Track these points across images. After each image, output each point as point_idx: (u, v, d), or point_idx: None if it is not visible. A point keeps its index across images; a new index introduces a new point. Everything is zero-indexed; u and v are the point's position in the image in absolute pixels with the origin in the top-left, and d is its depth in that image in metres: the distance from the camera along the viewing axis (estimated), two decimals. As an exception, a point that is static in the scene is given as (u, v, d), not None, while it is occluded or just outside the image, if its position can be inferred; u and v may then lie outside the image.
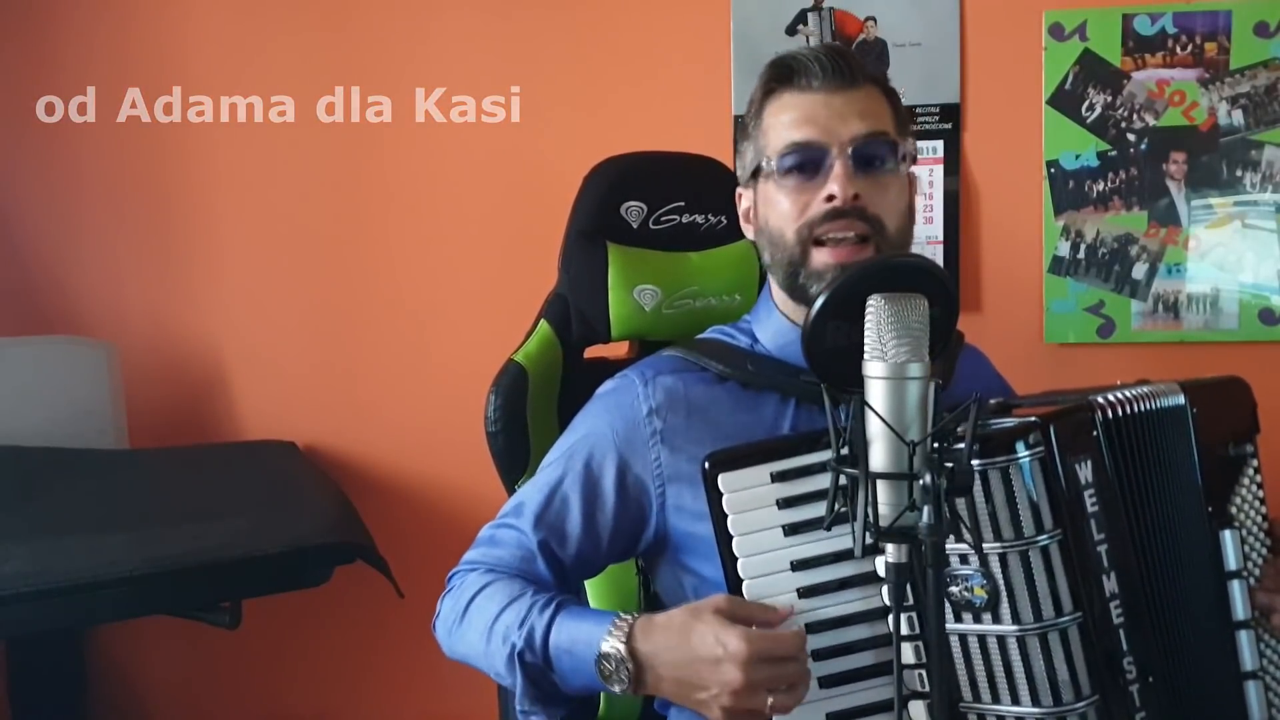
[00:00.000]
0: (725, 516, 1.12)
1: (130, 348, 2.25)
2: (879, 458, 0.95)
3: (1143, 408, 1.14)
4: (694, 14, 2.15)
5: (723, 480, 1.12)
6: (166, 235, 2.30)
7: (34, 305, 2.33)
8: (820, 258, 1.18)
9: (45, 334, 2.26)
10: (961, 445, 0.95)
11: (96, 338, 2.24)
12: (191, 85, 2.27)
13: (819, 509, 1.10)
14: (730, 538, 1.11)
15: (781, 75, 1.22)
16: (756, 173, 1.24)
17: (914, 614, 1.06)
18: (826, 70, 1.18)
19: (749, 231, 1.30)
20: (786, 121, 1.20)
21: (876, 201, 1.18)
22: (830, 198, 1.17)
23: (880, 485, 0.94)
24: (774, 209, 1.22)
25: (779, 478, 1.12)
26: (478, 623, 1.19)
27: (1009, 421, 1.08)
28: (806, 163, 1.18)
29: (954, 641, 1.06)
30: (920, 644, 1.06)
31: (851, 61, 1.20)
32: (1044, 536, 1.05)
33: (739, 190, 1.30)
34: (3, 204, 2.32)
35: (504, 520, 1.27)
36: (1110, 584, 1.07)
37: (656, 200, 1.52)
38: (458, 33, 2.21)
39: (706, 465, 1.13)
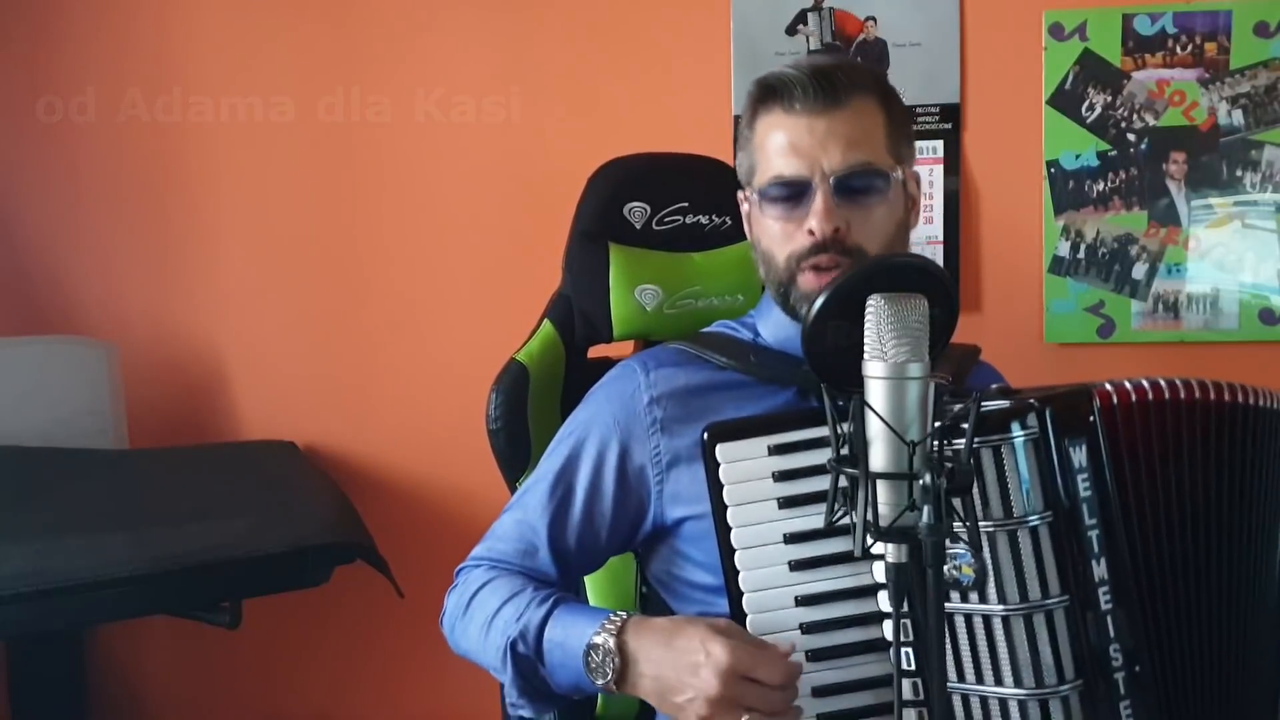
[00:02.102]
0: (722, 487, 1.13)
1: (130, 348, 2.25)
2: (879, 458, 0.95)
3: (1164, 397, 1.11)
4: (694, 14, 2.15)
5: (720, 451, 1.13)
6: (166, 235, 2.31)
7: (34, 305, 2.33)
8: (807, 281, 1.20)
9: (45, 334, 2.26)
10: (961, 444, 0.95)
11: (96, 338, 2.24)
12: (191, 85, 2.27)
13: (814, 484, 1.11)
14: (725, 508, 1.12)
15: (766, 95, 1.22)
16: (749, 190, 1.25)
17: (904, 594, 1.06)
18: (809, 92, 1.18)
19: (749, 233, 1.31)
20: (773, 147, 1.21)
21: (859, 230, 1.18)
22: (811, 232, 1.18)
23: (880, 485, 0.94)
24: (764, 232, 1.24)
25: (777, 451, 1.13)
26: (478, 617, 1.21)
27: (1006, 402, 1.08)
28: (789, 195, 1.20)
29: None
30: (907, 622, 1.06)
31: (836, 79, 1.19)
32: (1034, 517, 1.05)
33: (740, 193, 1.31)
34: (3, 204, 2.32)
35: (509, 511, 1.30)
36: (1100, 569, 1.06)
37: (660, 201, 1.53)
38: (457, 33, 2.21)
39: (705, 436, 1.14)
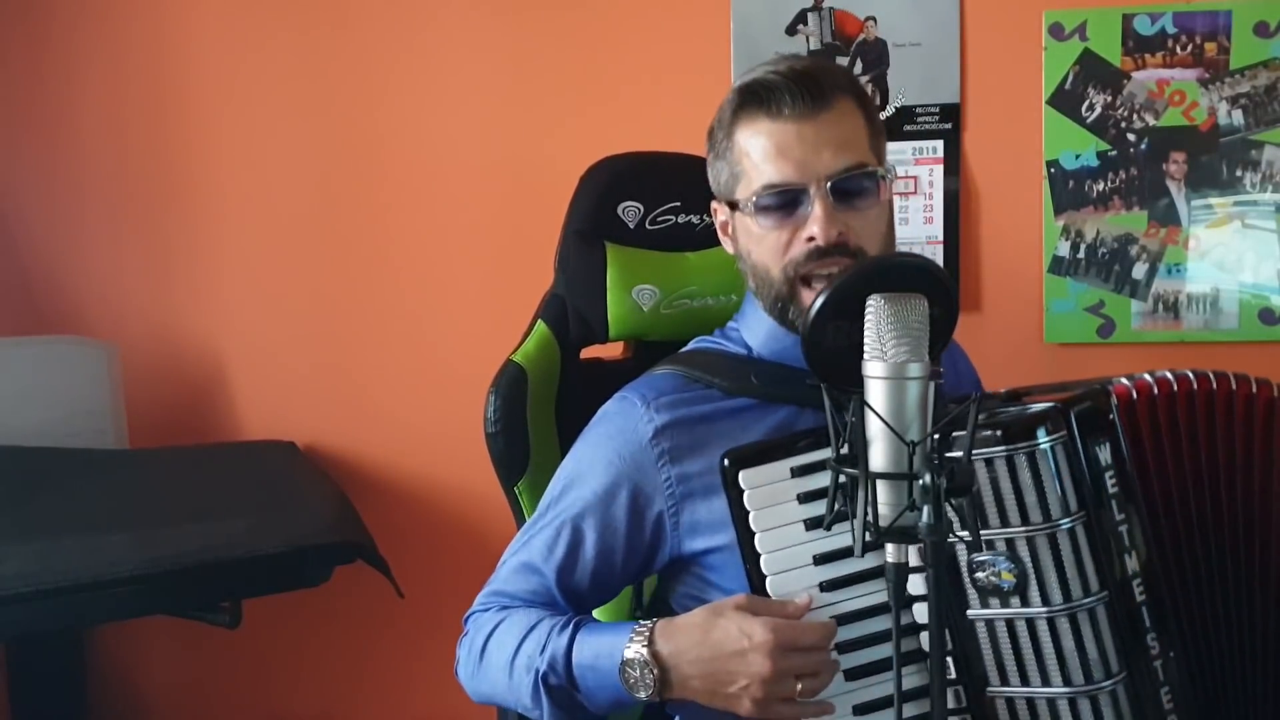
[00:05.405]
0: (747, 514, 1.12)
1: (130, 348, 2.25)
2: (879, 458, 0.95)
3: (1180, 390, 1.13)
4: (694, 14, 2.15)
5: (743, 477, 1.12)
6: (166, 235, 2.30)
7: (34, 305, 2.33)
8: (809, 298, 1.16)
9: (45, 334, 2.26)
10: (961, 444, 0.95)
11: (96, 338, 2.24)
12: (191, 85, 2.27)
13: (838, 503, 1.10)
14: (753, 535, 1.12)
15: (748, 101, 1.19)
16: (733, 201, 1.22)
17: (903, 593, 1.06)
18: (796, 96, 1.15)
19: (727, 245, 1.28)
20: (760, 152, 1.18)
21: (859, 233, 1.17)
22: (811, 238, 1.16)
23: (880, 485, 0.94)
24: (756, 244, 1.21)
25: (799, 472, 1.12)
26: (498, 658, 1.18)
27: (1031, 407, 1.10)
28: (784, 203, 1.17)
29: (980, 627, 1.08)
30: (945, 631, 1.06)
31: (820, 80, 1.17)
32: (1069, 519, 1.06)
33: (714, 203, 1.28)
34: (3, 204, 2.32)
35: (514, 557, 1.25)
36: (1132, 563, 1.09)
37: (653, 200, 1.52)
38: (457, 33, 2.21)
39: (726, 463, 1.13)
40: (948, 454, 0.94)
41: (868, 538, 0.94)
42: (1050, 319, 2.13)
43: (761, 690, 1.03)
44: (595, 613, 1.45)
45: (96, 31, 2.27)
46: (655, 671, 1.06)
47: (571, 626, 1.14)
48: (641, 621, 1.10)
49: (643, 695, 1.08)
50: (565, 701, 1.13)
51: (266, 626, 2.16)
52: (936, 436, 0.95)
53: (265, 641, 2.28)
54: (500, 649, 1.18)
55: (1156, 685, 1.08)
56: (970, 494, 0.94)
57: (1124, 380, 1.13)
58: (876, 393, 0.95)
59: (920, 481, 0.90)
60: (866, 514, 0.94)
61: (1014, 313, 2.13)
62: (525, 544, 1.25)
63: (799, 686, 1.04)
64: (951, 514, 0.91)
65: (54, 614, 1.61)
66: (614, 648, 1.09)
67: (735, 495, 1.12)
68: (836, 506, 1.01)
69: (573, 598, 1.22)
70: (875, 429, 0.95)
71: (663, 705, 1.22)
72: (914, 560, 0.97)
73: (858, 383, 0.97)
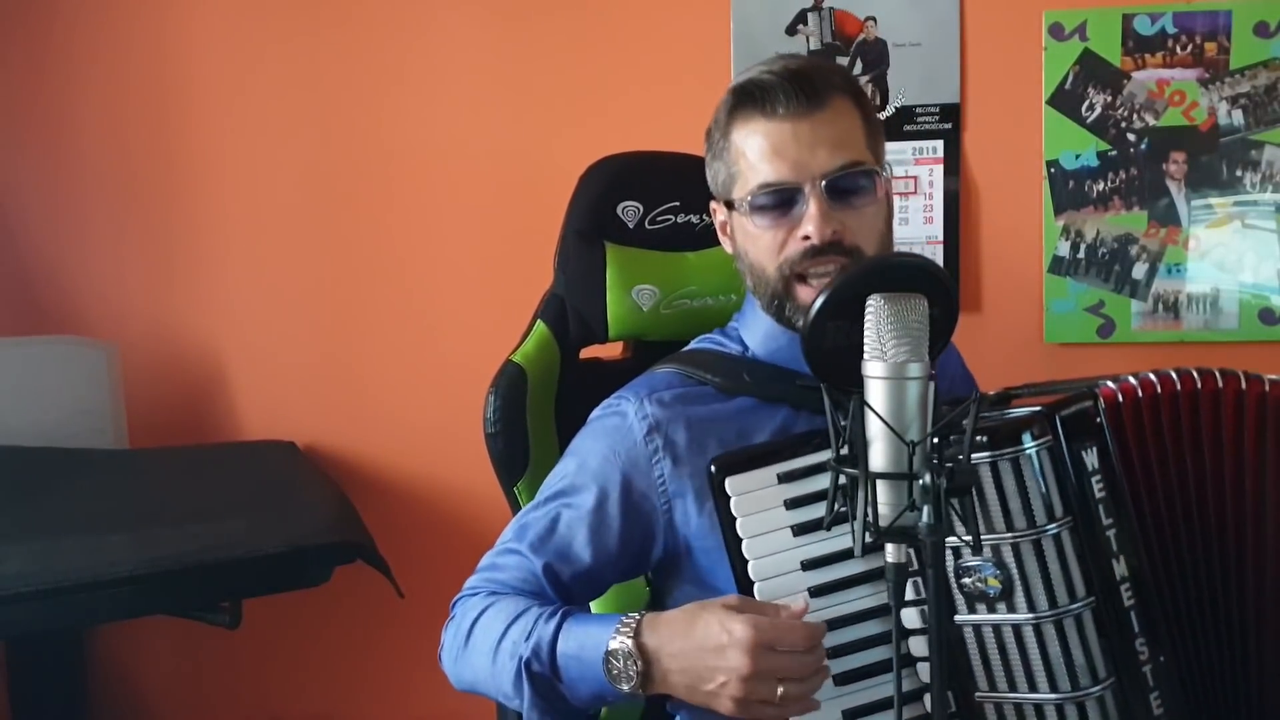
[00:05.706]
0: (734, 520, 1.12)
1: (130, 348, 2.25)
2: (879, 458, 0.95)
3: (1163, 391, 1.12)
4: (694, 14, 2.15)
5: (730, 484, 1.12)
6: (166, 235, 2.31)
7: (34, 305, 2.33)
8: (805, 294, 1.17)
9: (45, 334, 2.26)
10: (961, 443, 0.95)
11: (96, 338, 2.25)
12: (192, 84, 2.27)
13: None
14: (740, 541, 1.12)
15: (743, 101, 1.19)
16: (730, 200, 1.23)
17: (925, 608, 1.06)
18: (790, 96, 1.16)
19: (726, 245, 1.28)
20: (755, 151, 1.18)
21: (854, 231, 1.17)
22: (806, 237, 1.16)
23: (880, 485, 0.94)
24: (752, 243, 1.21)
25: (786, 478, 1.12)
26: (483, 644, 1.16)
27: (1014, 412, 1.09)
28: (780, 202, 1.17)
29: (968, 632, 1.07)
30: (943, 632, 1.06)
31: (815, 79, 1.17)
32: (1055, 525, 1.06)
33: (713, 204, 1.29)
34: (3, 204, 2.33)
35: (506, 545, 1.25)
36: (1120, 568, 1.08)
37: (652, 200, 1.52)
38: (457, 33, 2.21)
39: (712, 469, 1.13)
40: (947, 453, 0.94)
41: (868, 538, 0.94)
42: (1050, 319, 2.13)
43: (740, 689, 1.02)
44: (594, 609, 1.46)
45: (96, 31, 2.27)
46: (639, 664, 1.05)
47: (559, 615, 1.12)
48: (629, 614, 1.09)
49: (625, 688, 1.06)
50: (546, 691, 1.11)
51: (266, 626, 2.16)
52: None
53: (265, 641, 2.28)
54: (486, 634, 1.16)
55: (1146, 690, 1.08)
56: (970, 494, 0.94)
57: (1110, 383, 1.11)
58: (876, 393, 0.95)
59: (920, 481, 0.90)
60: (866, 514, 0.94)
61: (1014, 313, 2.13)
62: (519, 533, 1.24)
63: (780, 690, 1.02)
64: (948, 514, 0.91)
65: (54, 614, 1.61)
66: (599, 638, 1.08)
67: (723, 502, 1.12)
68: (836, 507, 1.00)
69: (562, 590, 1.22)
70: (875, 429, 0.95)
71: (663, 705, 1.22)
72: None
73: (857, 383, 0.97)
